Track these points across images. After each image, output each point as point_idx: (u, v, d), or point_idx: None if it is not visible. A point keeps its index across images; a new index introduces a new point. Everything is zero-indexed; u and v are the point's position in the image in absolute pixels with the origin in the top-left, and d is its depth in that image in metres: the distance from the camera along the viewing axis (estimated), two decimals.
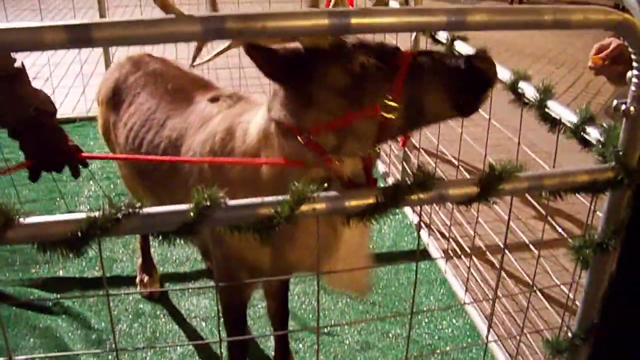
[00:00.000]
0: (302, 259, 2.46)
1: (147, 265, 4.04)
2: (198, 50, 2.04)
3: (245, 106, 2.60)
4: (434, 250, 4.43)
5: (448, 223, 4.41)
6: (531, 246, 3.60)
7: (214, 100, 2.77)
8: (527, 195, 3.51)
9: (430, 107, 1.99)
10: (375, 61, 2.00)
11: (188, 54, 2.15)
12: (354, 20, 1.53)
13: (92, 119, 6.45)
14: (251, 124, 2.39)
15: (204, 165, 2.54)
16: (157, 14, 1.54)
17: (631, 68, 2.14)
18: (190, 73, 3.17)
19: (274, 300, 3.33)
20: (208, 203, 1.62)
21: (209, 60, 2.11)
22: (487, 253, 3.95)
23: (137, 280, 4.02)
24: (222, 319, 2.89)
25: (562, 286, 2.98)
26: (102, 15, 5.99)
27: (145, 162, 2.86)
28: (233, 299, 2.86)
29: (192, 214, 1.61)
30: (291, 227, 1.69)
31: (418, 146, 4.74)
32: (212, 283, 4.02)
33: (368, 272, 2.59)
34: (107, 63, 6.43)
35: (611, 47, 2.56)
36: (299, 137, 2.11)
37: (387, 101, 1.97)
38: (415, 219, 4.82)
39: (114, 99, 3.23)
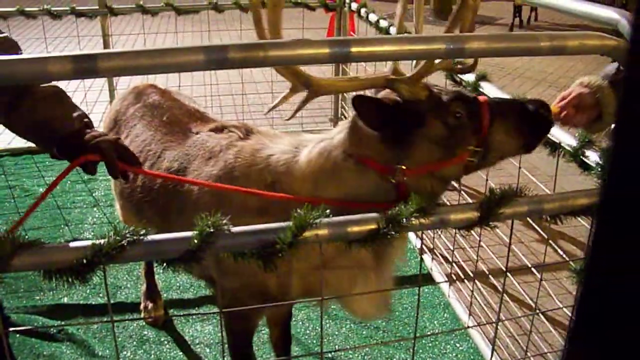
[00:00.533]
0: (313, 284, 2.48)
1: (151, 291, 4.05)
2: (283, 99, 2.17)
3: (263, 139, 2.56)
4: (438, 275, 4.43)
5: (451, 247, 4.42)
6: (533, 269, 3.60)
7: (218, 130, 2.76)
8: (528, 218, 3.53)
9: (505, 147, 2.22)
10: (466, 112, 2.18)
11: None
12: (354, 49, 1.56)
13: None
14: (302, 157, 2.36)
15: (206, 197, 2.53)
16: (160, 41, 1.57)
17: (596, 115, 2.28)
18: (186, 104, 3.16)
19: (276, 326, 3.32)
20: (212, 230, 1.64)
21: (275, 106, 2.19)
22: (490, 277, 3.95)
23: (142, 306, 4.03)
24: (227, 345, 2.88)
25: (564, 309, 2.98)
26: (106, 44, 6.05)
27: (141, 197, 2.85)
28: (240, 327, 2.85)
29: (195, 240, 1.63)
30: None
31: None
32: (216, 309, 4.03)
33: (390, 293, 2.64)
34: (111, 91, 6.49)
35: (570, 96, 2.55)
36: (390, 177, 2.18)
37: (473, 147, 2.16)
38: (418, 243, 4.83)
39: (114, 131, 3.22)
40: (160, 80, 3.42)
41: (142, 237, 1.61)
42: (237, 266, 1.81)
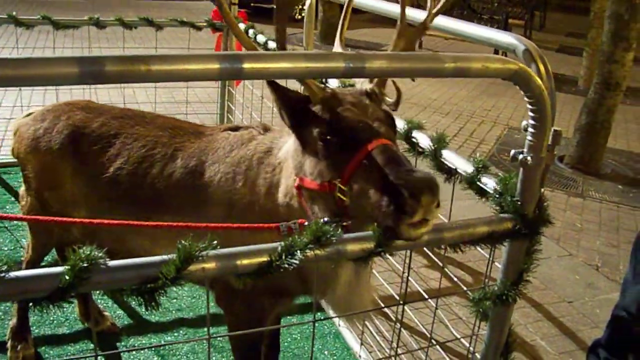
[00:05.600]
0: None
1: (22, 328, 3.67)
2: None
3: (282, 132, 2.68)
4: (326, 304, 4.32)
5: None
6: (430, 300, 3.55)
7: (234, 129, 2.86)
8: None
9: (364, 211, 1.96)
10: (335, 140, 2.02)
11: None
12: (247, 65, 1.43)
13: None
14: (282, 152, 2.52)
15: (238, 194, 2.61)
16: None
17: None
18: (167, 116, 3.24)
19: (268, 336, 3.28)
20: (85, 264, 1.46)
21: None
22: (382, 304, 3.87)
23: (8, 345, 3.65)
24: None
25: (462, 340, 2.93)
26: None
27: (146, 197, 2.84)
28: (253, 325, 2.77)
29: (67, 277, 1.44)
30: None
31: None
32: (92, 346, 3.75)
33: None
34: None
35: None
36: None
37: (338, 183, 2.00)
38: None
39: (74, 146, 3.01)
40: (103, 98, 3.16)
41: (2, 274, 1.40)
42: None
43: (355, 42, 15.22)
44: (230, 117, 6.05)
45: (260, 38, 4.91)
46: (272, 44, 4.68)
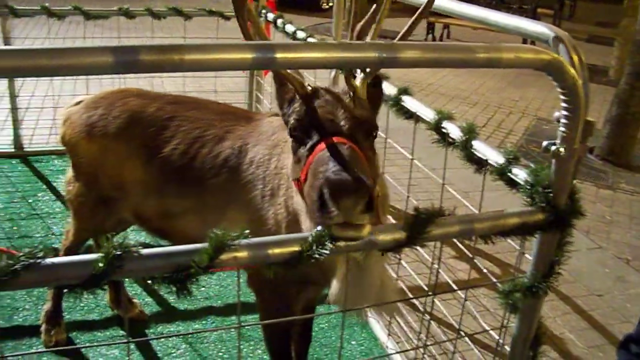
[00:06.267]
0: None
1: (56, 313, 3.74)
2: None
3: None
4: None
5: None
6: (459, 292, 3.54)
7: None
8: None
9: (307, 204, 1.99)
10: (299, 136, 2.04)
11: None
12: (280, 55, 1.43)
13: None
14: None
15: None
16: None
17: None
18: (220, 102, 3.40)
19: (300, 323, 3.32)
20: (119, 252, 1.47)
21: None
22: (410, 295, 3.87)
23: (42, 329, 3.73)
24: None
25: (492, 331, 2.91)
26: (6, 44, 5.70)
27: (194, 176, 2.93)
28: (281, 313, 2.78)
29: (100, 264, 1.46)
30: None
31: None
32: (122, 332, 3.80)
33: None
34: (12, 97, 6.12)
35: None
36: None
37: (301, 180, 1.99)
38: None
39: (131, 130, 3.13)
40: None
41: (38, 261, 1.42)
42: None
43: (382, 32, 15.15)
44: (258, 106, 6.06)
45: (289, 28, 4.90)
46: (301, 34, 4.67)
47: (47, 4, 5.46)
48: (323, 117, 2.00)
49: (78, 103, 3.37)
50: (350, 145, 1.87)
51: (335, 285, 2.37)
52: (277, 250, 1.61)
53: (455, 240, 3.73)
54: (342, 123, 1.99)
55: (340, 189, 1.67)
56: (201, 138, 2.99)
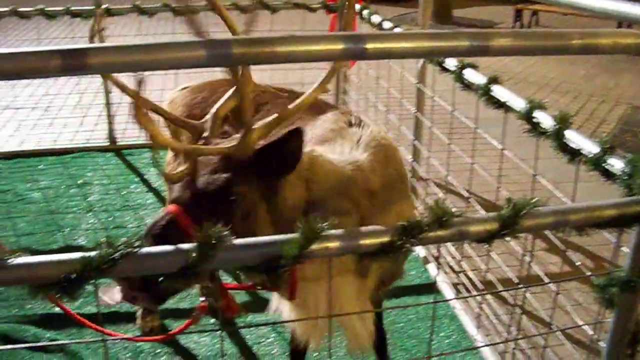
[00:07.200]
0: None
1: None
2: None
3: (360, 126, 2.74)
4: (443, 284, 4.28)
5: (456, 255, 4.29)
6: (551, 285, 3.45)
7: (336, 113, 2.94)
8: None
9: None
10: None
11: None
12: (370, 46, 1.42)
13: (91, 149, 6.38)
14: None
15: None
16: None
17: None
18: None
19: None
20: (213, 241, 1.50)
21: None
22: (500, 287, 3.81)
23: (138, 314, 3.86)
24: None
25: (585, 327, 2.83)
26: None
27: None
28: None
29: (194, 254, 1.49)
30: None
31: (425, 177, 4.62)
32: (212, 320, 3.89)
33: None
34: (107, 93, 6.34)
35: None
36: None
37: None
38: (422, 252, 4.68)
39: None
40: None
41: (135, 250, 1.47)
42: None
43: (467, 20, 14.93)
44: (344, 98, 6.07)
45: (375, 18, 4.89)
46: (387, 24, 4.65)
47: (137, 2, 5.67)
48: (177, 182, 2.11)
49: (183, 89, 3.60)
50: (173, 216, 2.02)
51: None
52: (367, 241, 1.61)
53: (547, 232, 3.64)
54: (180, 193, 2.08)
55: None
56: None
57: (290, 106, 2.17)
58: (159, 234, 2.00)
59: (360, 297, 2.54)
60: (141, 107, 1.93)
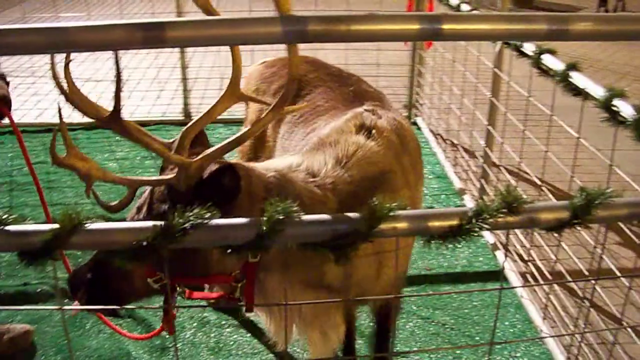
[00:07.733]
0: None
1: None
2: None
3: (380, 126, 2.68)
4: (511, 273, 4.22)
5: (525, 244, 4.22)
6: (623, 279, 3.36)
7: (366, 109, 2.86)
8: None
9: None
10: None
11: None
12: (446, 26, 1.41)
13: (167, 122, 6.53)
14: None
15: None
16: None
17: None
18: (369, 85, 3.31)
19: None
20: (282, 216, 1.52)
21: None
22: (569, 278, 3.73)
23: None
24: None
25: None
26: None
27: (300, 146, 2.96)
28: None
29: (264, 227, 1.51)
30: None
31: (498, 163, 4.56)
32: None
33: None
34: (184, 69, 6.47)
35: None
36: None
37: None
38: (491, 239, 4.62)
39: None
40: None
41: (206, 221, 1.50)
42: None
43: (549, 5, 14.55)
44: (420, 80, 6.03)
45: (453, 1, 4.83)
46: (465, 7, 4.58)
47: None
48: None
49: (262, 63, 3.71)
50: None
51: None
52: (437, 223, 1.60)
53: (621, 225, 3.55)
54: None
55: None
56: (324, 111, 3.01)
57: (241, 131, 2.12)
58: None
59: (326, 310, 2.50)
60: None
